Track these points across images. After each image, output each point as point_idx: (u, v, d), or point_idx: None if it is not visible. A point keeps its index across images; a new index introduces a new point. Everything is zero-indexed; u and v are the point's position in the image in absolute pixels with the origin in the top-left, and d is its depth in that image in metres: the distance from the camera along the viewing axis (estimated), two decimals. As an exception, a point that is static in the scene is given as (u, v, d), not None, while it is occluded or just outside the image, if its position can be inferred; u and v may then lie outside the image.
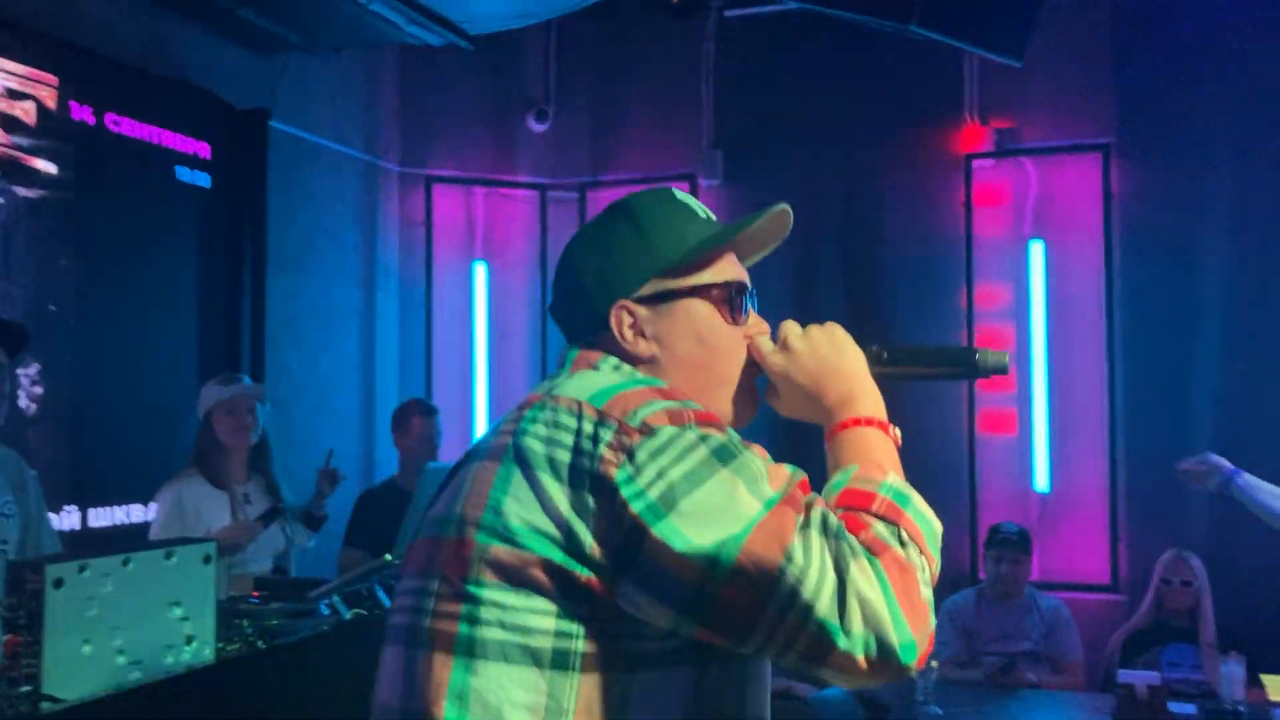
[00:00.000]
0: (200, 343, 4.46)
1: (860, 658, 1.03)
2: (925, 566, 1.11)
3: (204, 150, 4.49)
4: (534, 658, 1.07)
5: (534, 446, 1.10)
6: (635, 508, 1.04)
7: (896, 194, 5.36)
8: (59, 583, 1.98)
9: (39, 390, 3.75)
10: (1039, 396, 5.10)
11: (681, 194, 1.36)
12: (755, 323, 1.32)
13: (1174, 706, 3.58)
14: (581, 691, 1.07)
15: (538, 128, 5.94)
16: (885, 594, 1.04)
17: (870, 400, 1.26)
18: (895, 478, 1.16)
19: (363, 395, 5.52)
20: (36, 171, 3.76)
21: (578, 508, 1.06)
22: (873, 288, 5.27)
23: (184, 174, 4.42)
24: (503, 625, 1.07)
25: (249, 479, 3.69)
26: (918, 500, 1.15)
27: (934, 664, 3.85)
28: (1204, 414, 4.70)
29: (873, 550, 1.07)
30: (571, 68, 5.96)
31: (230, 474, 3.63)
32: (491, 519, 1.09)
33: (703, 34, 5.70)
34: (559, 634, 1.07)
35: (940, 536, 1.16)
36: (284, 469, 4.09)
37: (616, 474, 1.06)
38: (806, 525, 1.06)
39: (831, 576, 1.04)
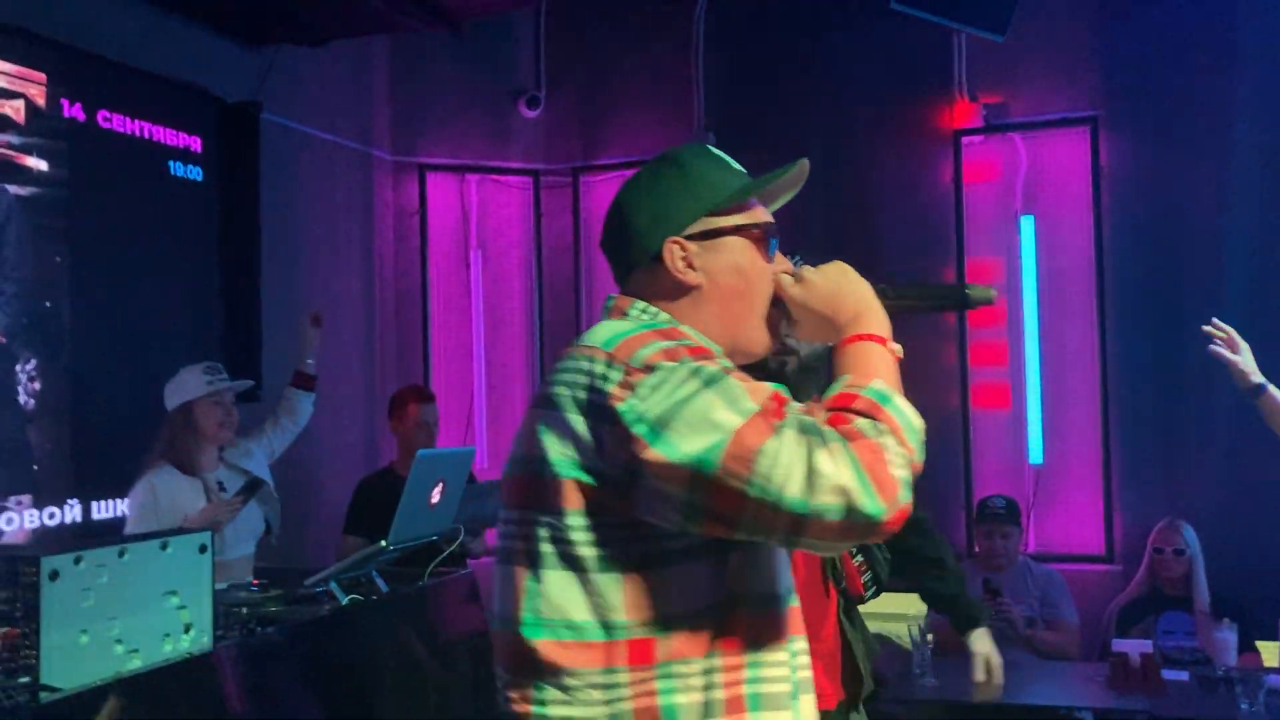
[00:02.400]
0: (196, 336, 4.49)
1: (833, 523, 1.20)
2: (901, 453, 1.24)
3: (195, 144, 4.52)
4: (582, 565, 1.30)
5: (562, 391, 1.32)
6: (637, 430, 1.25)
7: (886, 171, 5.38)
8: (54, 575, 2.02)
9: (36, 386, 3.79)
10: (1031, 370, 5.12)
11: (715, 149, 1.54)
12: (779, 261, 1.52)
13: (1167, 674, 3.62)
14: (626, 589, 1.30)
15: (529, 113, 5.95)
16: (855, 470, 1.20)
17: (875, 319, 1.42)
18: (881, 383, 1.32)
19: (363, 384, 5.56)
20: (29, 169, 3.79)
21: (596, 436, 1.28)
22: (863, 265, 5.23)
23: (177, 168, 4.44)
24: (554, 540, 1.31)
25: (219, 465, 3.67)
26: (899, 400, 1.31)
27: (930, 637, 3.89)
28: (1195, 384, 4.71)
29: (847, 437, 1.23)
30: (561, 52, 5.97)
31: (202, 463, 3.59)
32: (540, 454, 1.32)
33: (692, 14, 5.71)
34: (596, 543, 1.30)
35: (922, 432, 1.31)
36: (286, 460, 4.14)
37: (621, 406, 1.26)
38: (781, 426, 1.23)
39: (801, 465, 1.20)
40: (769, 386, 1.29)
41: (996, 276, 5.21)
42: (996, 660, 3.16)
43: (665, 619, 1.30)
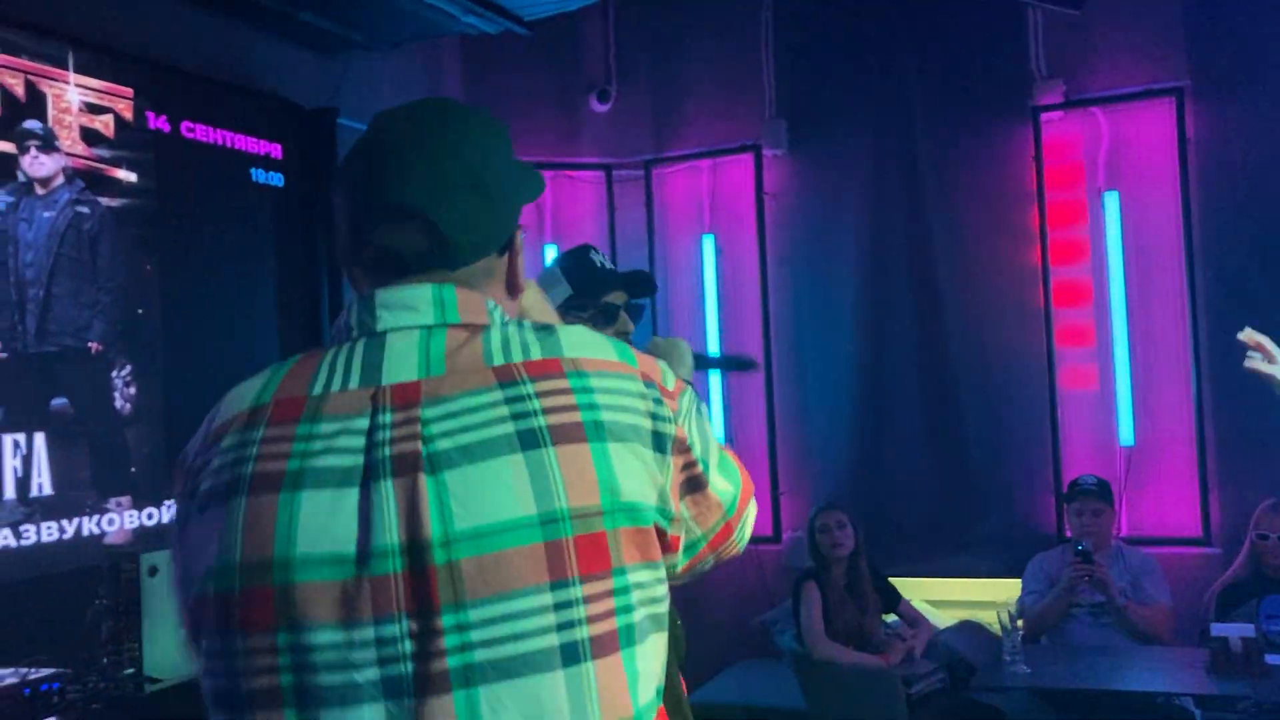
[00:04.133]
0: (282, 338, 4.60)
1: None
2: None
3: (276, 151, 4.62)
4: (660, 624, 1.03)
5: (616, 419, 1.01)
6: (699, 464, 1.08)
7: (965, 152, 5.28)
8: (153, 570, 2.08)
9: (132, 391, 3.92)
10: (1120, 349, 5.00)
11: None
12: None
13: (1271, 659, 3.51)
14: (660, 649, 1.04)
15: (600, 108, 5.97)
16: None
17: None
18: None
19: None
20: (118, 181, 3.91)
21: (664, 470, 1.03)
22: (945, 247, 5.21)
23: (258, 175, 4.55)
24: (644, 603, 1.00)
25: None
26: None
27: (1020, 623, 3.83)
28: (1294, 359, 4.55)
29: None
30: (631, 46, 5.98)
31: None
32: (611, 501, 0.98)
33: (760, 2, 5.67)
34: (664, 597, 1.04)
35: None
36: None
37: (684, 434, 1.06)
38: None
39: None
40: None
41: (1080, 255, 5.10)
42: None
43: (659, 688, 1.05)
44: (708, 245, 5.68)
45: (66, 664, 2.10)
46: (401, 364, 1.01)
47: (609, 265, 2.07)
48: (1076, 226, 5.11)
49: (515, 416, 0.98)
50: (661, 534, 1.03)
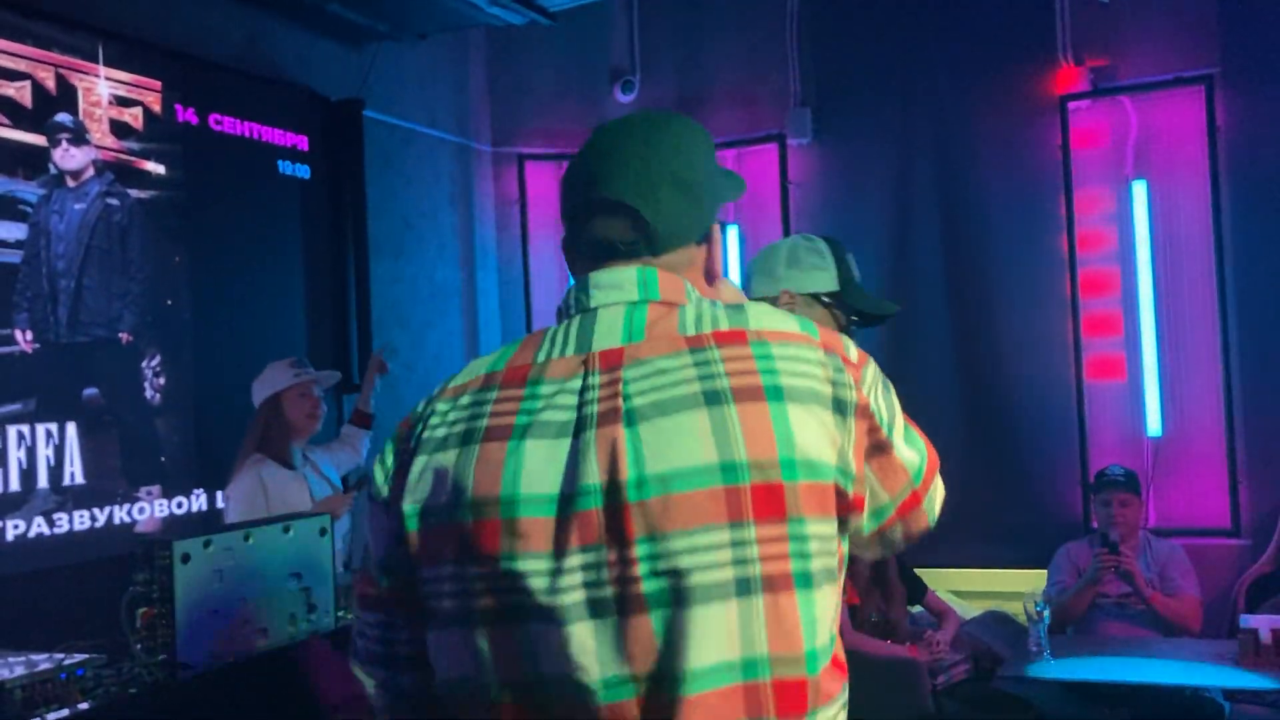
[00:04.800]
0: (309, 328, 4.64)
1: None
2: None
3: (302, 143, 4.65)
4: (833, 577, 1.14)
5: (795, 383, 1.12)
6: (884, 429, 1.18)
7: (991, 141, 5.25)
8: (186, 558, 2.11)
9: (162, 382, 3.95)
10: (1148, 339, 4.96)
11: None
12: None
13: (1301, 650, 3.48)
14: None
15: (625, 98, 5.97)
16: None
17: None
18: None
19: (468, 373, 5.66)
20: (147, 173, 3.95)
21: (844, 433, 1.14)
22: (971, 237, 5.18)
23: (285, 167, 4.58)
24: (820, 553, 1.11)
25: (305, 462, 3.67)
26: None
27: (1046, 613, 3.81)
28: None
29: None
30: (655, 35, 5.97)
31: (291, 455, 3.60)
32: (788, 457, 1.09)
33: (785, -9, 5.66)
34: (839, 553, 1.15)
35: None
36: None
37: (867, 400, 1.16)
38: None
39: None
40: None
41: (1108, 244, 5.07)
42: None
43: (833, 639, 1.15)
44: (732, 236, 5.67)
45: (100, 649, 2.13)
46: (609, 333, 1.16)
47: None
48: (1104, 216, 5.08)
49: (701, 378, 1.12)
50: (842, 494, 1.13)
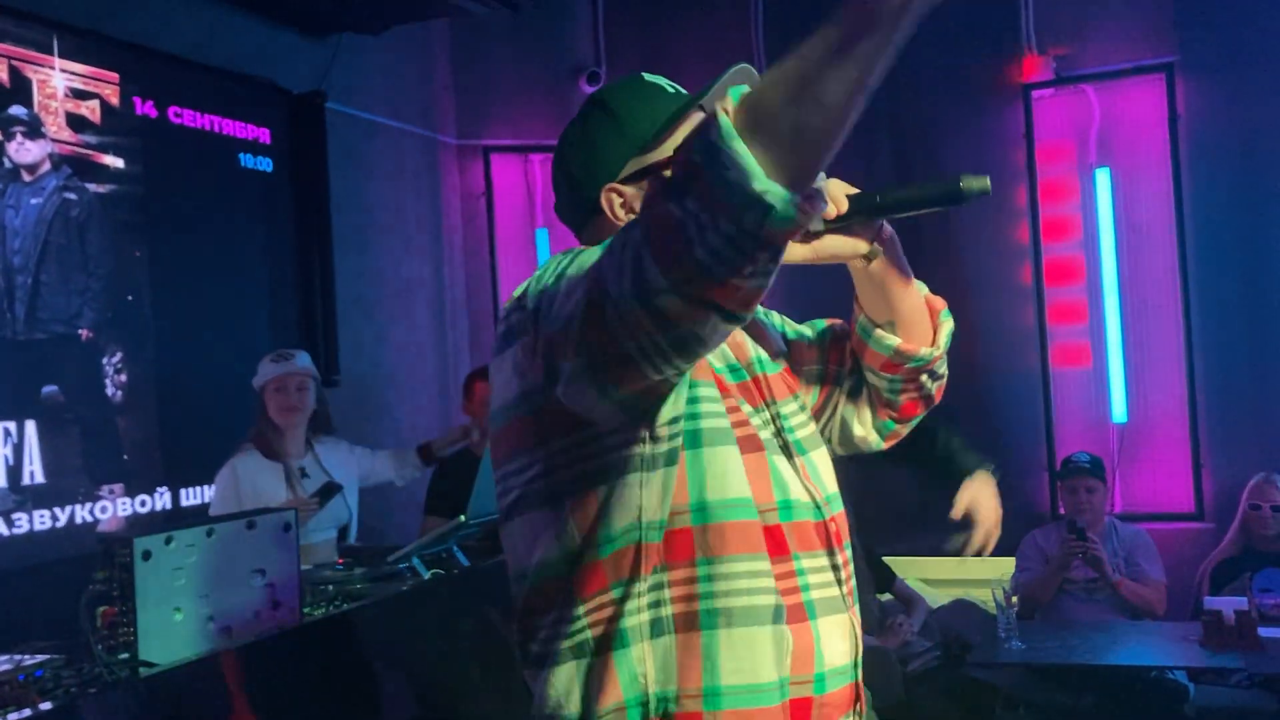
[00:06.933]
0: (273, 324, 4.58)
1: (577, 333, 1.22)
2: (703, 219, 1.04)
3: (264, 136, 4.59)
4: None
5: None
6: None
7: (955, 129, 5.28)
8: (147, 555, 2.07)
9: (123, 379, 3.90)
10: (1112, 326, 5.01)
11: (651, 76, 1.44)
12: None
13: (1264, 631, 3.52)
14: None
15: (590, 90, 5.95)
16: (609, 254, 1.21)
17: None
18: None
19: (436, 365, 5.63)
20: (105, 167, 3.89)
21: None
22: (932, 227, 5.20)
23: (247, 160, 4.53)
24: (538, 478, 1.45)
25: (306, 453, 3.69)
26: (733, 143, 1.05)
27: (1014, 599, 3.84)
28: (1284, 334, 4.57)
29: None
30: (620, 27, 5.95)
31: (286, 449, 3.62)
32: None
33: (750, -18, 5.65)
34: (543, 474, 1.45)
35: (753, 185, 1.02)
36: (361, 440, 4.20)
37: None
38: None
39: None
40: None
41: (1072, 232, 5.10)
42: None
43: (608, 539, 1.25)
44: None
45: (60, 650, 2.10)
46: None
47: None
48: (1068, 203, 5.11)
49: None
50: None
